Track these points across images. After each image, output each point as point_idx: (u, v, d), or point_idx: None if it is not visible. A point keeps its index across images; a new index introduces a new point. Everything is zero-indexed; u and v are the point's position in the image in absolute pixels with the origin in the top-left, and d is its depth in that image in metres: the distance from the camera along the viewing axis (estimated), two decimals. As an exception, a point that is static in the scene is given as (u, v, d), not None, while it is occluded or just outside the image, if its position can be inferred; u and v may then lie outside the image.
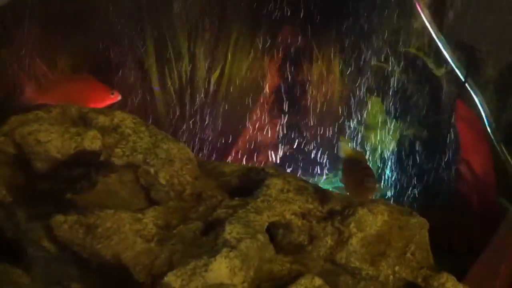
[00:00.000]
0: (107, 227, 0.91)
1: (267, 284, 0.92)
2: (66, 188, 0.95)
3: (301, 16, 1.24)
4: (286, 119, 1.25)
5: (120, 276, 0.98)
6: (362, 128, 1.25)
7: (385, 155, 1.24)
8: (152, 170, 0.94)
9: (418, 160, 1.23)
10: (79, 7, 1.18)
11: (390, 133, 1.23)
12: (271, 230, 0.96)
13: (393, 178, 1.23)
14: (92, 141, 0.90)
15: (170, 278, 0.86)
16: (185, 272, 0.86)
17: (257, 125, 1.28)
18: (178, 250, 0.91)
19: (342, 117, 1.25)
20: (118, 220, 0.91)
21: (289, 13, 1.24)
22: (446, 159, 1.21)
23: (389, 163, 1.24)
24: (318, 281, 0.91)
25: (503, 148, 1.15)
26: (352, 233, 0.95)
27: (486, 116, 1.16)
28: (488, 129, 1.16)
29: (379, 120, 1.25)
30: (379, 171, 1.25)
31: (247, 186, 1.00)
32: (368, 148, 1.26)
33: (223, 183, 1.01)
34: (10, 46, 1.17)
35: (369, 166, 0.99)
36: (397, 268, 0.98)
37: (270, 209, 0.95)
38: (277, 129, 1.25)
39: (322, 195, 1.00)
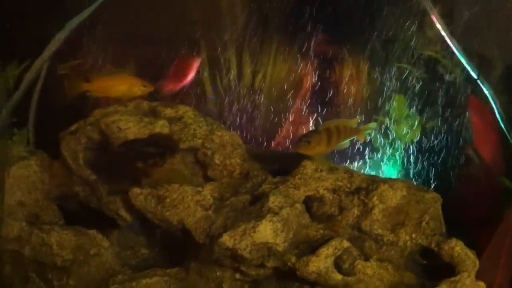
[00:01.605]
0: (173, 198, 1.12)
1: (304, 245, 1.10)
2: (140, 166, 1.17)
3: (333, 26, 1.42)
4: (320, 115, 1.44)
5: (184, 238, 1.19)
6: (388, 121, 1.43)
7: (408, 144, 1.42)
8: (209, 152, 1.15)
9: (436, 148, 1.40)
10: (145, 24, 1.39)
11: (413, 125, 1.41)
12: (307, 203, 1.15)
13: (414, 164, 1.41)
14: (161, 128, 1.11)
15: (225, 238, 1.06)
16: (237, 233, 1.06)
17: (295, 120, 1.47)
18: (230, 216, 1.11)
19: (370, 112, 1.43)
20: (183, 192, 1.12)
21: (322, 24, 1.42)
22: (461, 147, 1.38)
23: (411, 151, 1.42)
24: (346, 243, 1.09)
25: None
26: (375, 204, 1.13)
27: (497, 109, 1.33)
28: (500, 120, 1.32)
29: (403, 114, 1.43)
30: (403, 157, 1.43)
31: (287, 168, 1.20)
32: (394, 139, 1.44)
33: (267, 165, 1.22)
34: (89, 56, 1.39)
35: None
36: (414, 235, 1.15)
37: (306, 185, 1.13)
38: (312, 123, 1.44)
39: (350, 174, 1.18)
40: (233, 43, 1.38)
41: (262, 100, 1.39)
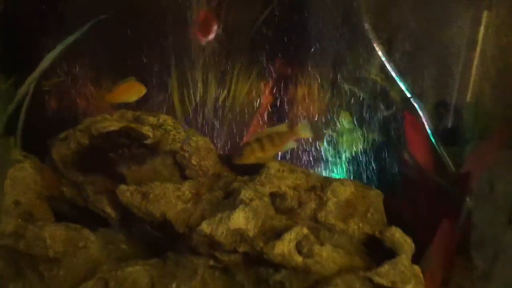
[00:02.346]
0: (156, 193, 1.27)
1: (269, 233, 1.26)
2: (124, 167, 1.33)
3: (289, 51, 1.62)
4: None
5: (160, 232, 1.35)
6: (335, 134, 1.64)
7: (353, 153, 1.63)
8: (187, 155, 1.32)
9: (377, 156, 1.62)
10: (124, 47, 1.55)
11: (357, 136, 1.63)
12: (271, 198, 1.34)
13: (358, 168, 1.62)
14: (147, 132, 1.28)
15: (203, 226, 1.22)
16: (214, 221, 1.21)
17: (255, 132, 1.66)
18: (207, 209, 1.27)
19: (321, 125, 1.63)
20: (164, 189, 1.28)
21: (279, 50, 1.62)
22: (398, 154, 1.60)
23: (356, 159, 1.63)
24: (305, 230, 1.26)
25: (440, 145, 1.54)
26: (329, 198, 1.31)
27: (426, 123, 1.56)
28: (429, 132, 1.55)
29: (348, 128, 1.64)
30: (348, 164, 1.64)
31: (249, 171, 1.37)
32: (341, 149, 1.64)
33: (234, 168, 1.40)
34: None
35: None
36: (361, 224, 1.33)
37: (270, 183, 1.31)
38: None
39: (307, 174, 1.37)
40: (201, 65, 1.54)
41: (226, 114, 1.56)
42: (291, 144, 1.36)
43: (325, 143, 1.58)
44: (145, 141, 1.19)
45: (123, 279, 1.27)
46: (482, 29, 1.46)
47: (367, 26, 1.40)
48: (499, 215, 1.46)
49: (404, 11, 1.54)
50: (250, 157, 1.30)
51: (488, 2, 1.45)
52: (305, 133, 1.38)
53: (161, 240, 1.37)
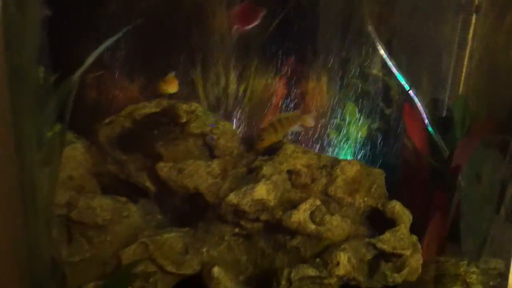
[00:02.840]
0: (190, 169, 1.48)
1: (287, 204, 1.44)
2: (162, 148, 1.53)
3: (301, 50, 1.81)
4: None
5: (191, 204, 1.55)
6: (343, 123, 1.84)
7: (358, 140, 1.83)
8: (215, 137, 1.53)
9: (381, 142, 1.82)
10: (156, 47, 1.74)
11: (362, 125, 1.83)
12: (288, 175, 1.55)
13: (365, 153, 1.82)
14: (182, 118, 1.49)
15: (231, 197, 1.41)
16: (240, 193, 1.40)
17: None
18: (233, 182, 1.47)
19: (328, 115, 1.83)
20: (197, 165, 1.48)
21: (291, 49, 1.81)
22: (400, 141, 1.79)
23: (361, 145, 1.83)
24: (318, 202, 1.45)
25: (436, 133, 1.74)
26: (338, 175, 1.52)
27: (424, 113, 1.76)
28: (426, 121, 1.75)
29: (354, 118, 1.84)
30: (354, 149, 1.84)
31: (271, 150, 1.58)
32: (348, 136, 1.85)
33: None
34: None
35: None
36: (365, 198, 1.53)
37: (287, 162, 1.50)
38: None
39: (318, 155, 1.57)
40: (223, 63, 1.74)
41: (245, 105, 1.77)
42: (297, 128, 1.58)
43: (334, 130, 1.78)
44: (180, 121, 1.38)
45: (161, 243, 1.47)
46: (471, 31, 1.66)
47: (370, 27, 1.60)
48: (487, 205, 1.65)
49: (403, 16, 1.74)
50: (269, 140, 1.51)
51: (476, 7, 1.65)
52: (309, 123, 1.60)
53: (191, 212, 1.57)
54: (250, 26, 1.60)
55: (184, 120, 1.36)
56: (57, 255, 1.48)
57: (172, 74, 1.53)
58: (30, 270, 1.51)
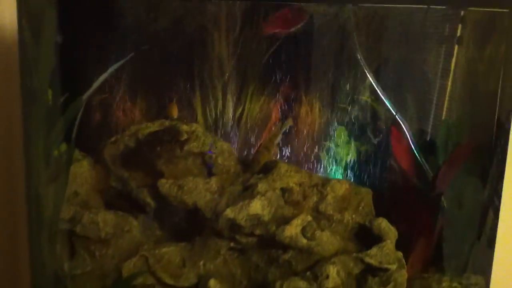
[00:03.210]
0: (189, 186, 1.56)
1: (280, 220, 1.52)
2: (163, 166, 1.61)
3: (294, 77, 1.90)
4: (283, 140, 1.91)
5: (189, 220, 1.63)
6: (333, 146, 1.93)
7: (347, 162, 1.92)
8: (213, 155, 1.62)
9: (369, 163, 1.91)
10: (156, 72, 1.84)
11: (351, 148, 1.92)
12: (281, 192, 1.63)
13: (354, 174, 1.90)
14: (182, 136, 1.57)
15: (227, 212, 1.48)
16: (237, 208, 1.46)
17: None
18: (230, 198, 1.54)
19: (321, 138, 1.92)
20: (196, 182, 1.56)
21: (286, 74, 1.91)
22: (387, 163, 1.88)
23: (350, 167, 1.92)
24: (309, 217, 1.51)
25: (421, 155, 1.83)
26: (328, 192, 1.59)
27: (409, 136, 1.85)
28: (412, 145, 1.84)
29: (343, 141, 1.93)
30: (344, 170, 1.93)
31: (266, 169, 1.67)
32: (338, 158, 1.94)
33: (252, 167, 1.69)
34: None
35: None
36: (354, 216, 1.60)
37: (280, 180, 1.56)
38: (276, 145, 1.89)
39: (310, 174, 1.65)
40: (220, 86, 1.84)
41: (241, 127, 1.86)
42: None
43: (325, 152, 1.88)
44: (181, 138, 1.47)
45: (160, 257, 1.55)
46: (453, 60, 1.77)
47: (359, 56, 1.70)
48: (468, 230, 1.73)
49: (390, 46, 1.85)
50: (264, 160, 1.60)
51: (458, 38, 1.77)
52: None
53: (189, 228, 1.65)
54: (291, 30, 1.66)
55: (185, 137, 1.44)
56: (60, 269, 1.55)
57: (173, 102, 1.62)
58: (32, 284, 1.58)
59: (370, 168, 1.81)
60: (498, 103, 1.73)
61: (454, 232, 1.66)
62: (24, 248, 1.99)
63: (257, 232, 1.44)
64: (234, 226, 1.42)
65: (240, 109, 1.80)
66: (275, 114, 1.83)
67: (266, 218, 1.41)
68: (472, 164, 1.72)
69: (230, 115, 1.81)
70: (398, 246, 1.55)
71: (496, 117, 1.74)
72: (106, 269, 1.55)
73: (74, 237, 1.53)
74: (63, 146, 1.54)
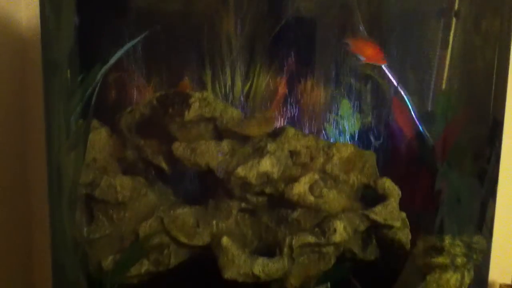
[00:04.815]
0: (202, 148, 1.59)
1: (288, 178, 1.58)
2: (176, 132, 1.66)
3: (300, 52, 1.95)
4: (290, 113, 1.96)
5: (208, 180, 1.68)
6: (338, 117, 1.98)
7: (351, 132, 1.97)
8: (224, 120, 1.67)
9: (371, 130, 1.95)
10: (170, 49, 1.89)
11: (355, 120, 1.96)
12: (289, 154, 1.67)
13: (358, 143, 1.94)
14: (195, 104, 1.63)
15: (238, 170, 1.53)
16: (247, 166, 1.51)
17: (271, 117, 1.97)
18: (241, 159, 1.59)
19: (325, 110, 1.97)
20: (208, 145, 1.59)
21: (292, 51, 1.96)
22: (389, 132, 1.93)
23: (354, 137, 1.96)
24: (317, 176, 1.57)
25: (422, 124, 1.88)
26: (334, 153, 1.63)
27: (410, 106, 1.90)
28: (413, 114, 1.89)
29: (347, 113, 1.98)
30: (349, 140, 1.97)
31: (274, 133, 1.71)
32: (342, 129, 1.98)
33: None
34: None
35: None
36: (358, 176, 1.65)
37: (288, 143, 1.61)
38: (285, 118, 1.95)
39: (316, 138, 1.70)
40: (229, 63, 1.89)
41: (249, 102, 1.91)
42: None
43: (330, 124, 1.93)
44: (192, 101, 1.51)
45: (175, 218, 1.59)
46: (452, 33, 1.83)
47: (361, 28, 1.76)
48: (467, 224, 1.77)
49: (391, 21, 1.90)
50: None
51: (456, 12, 1.82)
52: None
53: (202, 193, 1.70)
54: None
55: (194, 100, 1.49)
56: (79, 234, 1.60)
57: (186, 79, 1.68)
58: (53, 249, 1.63)
59: (373, 138, 1.85)
60: (494, 74, 1.78)
61: (454, 194, 1.70)
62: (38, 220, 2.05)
63: (267, 190, 1.47)
64: (245, 184, 1.46)
65: (248, 85, 1.84)
66: (282, 88, 1.88)
67: (275, 176, 1.45)
68: (470, 167, 1.75)
69: (239, 90, 1.85)
70: (401, 208, 1.57)
71: (493, 88, 1.78)
72: (124, 232, 1.58)
73: (92, 202, 1.56)
74: (80, 122, 1.58)
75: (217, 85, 1.88)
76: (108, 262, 1.56)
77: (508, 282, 1.93)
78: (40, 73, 1.95)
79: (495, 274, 2.04)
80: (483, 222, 1.68)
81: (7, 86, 2.08)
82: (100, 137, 1.57)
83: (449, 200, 1.67)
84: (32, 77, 2.24)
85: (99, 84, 1.64)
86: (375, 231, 1.53)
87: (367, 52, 1.76)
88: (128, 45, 1.73)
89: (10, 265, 2.12)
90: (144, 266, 1.54)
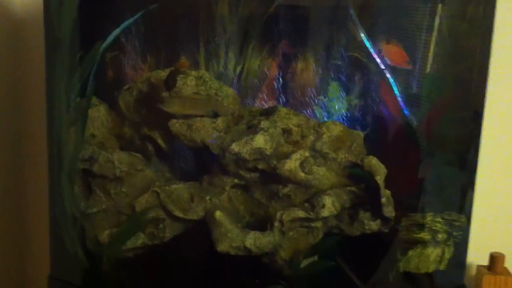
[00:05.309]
0: (198, 125, 1.64)
1: (280, 155, 1.62)
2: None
3: (291, 35, 2.00)
4: (281, 93, 2.01)
5: (203, 157, 1.73)
6: (327, 99, 2.04)
7: (341, 113, 2.03)
8: (220, 98, 1.72)
9: (358, 112, 2.02)
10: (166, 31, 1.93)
11: (343, 102, 2.03)
12: (281, 132, 1.73)
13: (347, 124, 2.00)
14: (191, 81, 1.68)
15: (233, 146, 1.54)
16: (241, 142, 1.51)
17: (263, 97, 2.04)
18: (235, 135, 1.62)
19: (315, 92, 2.03)
20: (204, 122, 1.63)
21: (283, 34, 2.00)
22: (376, 113, 1.99)
23: (342, 119, 2.02)
24: (307, 153, 1.62)
25: (408, 106, 1.94)
26: (324, 132, 1.67)
27: (397, 89, 1.96)
28: (399, 97, 1.95)
29: (337, 94, 2.04)
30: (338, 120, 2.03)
31: (267, 112, 1.77)
32: (331, 111, 2.04)
33: (254, 112, 1.80)
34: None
35: None
36: (346, 154, 1.68)
37: (281, 121, 1.65)
38: (275, 99, 2.00)
39: (307, 118, 1.76)
40: (223, 44, 1.94)
41: (242, 82, 1.96)
42: None
43: (319, 106, 1.99)
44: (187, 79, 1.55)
45: (170, 192, 1.64)
46: (437, 18, 1.89)
47: (352, 12, 1.82)
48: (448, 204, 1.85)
49: (381, 5, 1.96)
50: None
51: (443, -4, 1.88)
52: None
53: (197, 170, 1.76)
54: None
55: (191, 77, 1.53)
56: (76, 209, 1.66)
57: (183, 58, 1.73)
58: (52, 223, 1.69)
59: (362, 118, 1.92)
60: (477, 58, 1.85)
61: (437, 173, 1.78)
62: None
63: (260, 166, 1.53)
64: (239, 160, 1.51)
65: (240, 66, 1.89)
66: (273, 70, 1.93)
67: (268, 152, 1.51)
68: (451, 157, 1.83)
69: (232, 70, 1.90)
70: (386, 187, 1.63)
71: (475, 71, 1.85)
72: (120, 207, 1.63)
73: (90, 177, 1.61)
74: (81, 95, 1.63)
75: (210, 66, 1.92)
76: (105, 235, 1.59)
77: (485, 263, 2.02)
78: (36, 53, 1.99)
79: (472, 256, 2.13)
80: (463, 204, 1.75)
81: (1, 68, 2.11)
82: (98, 114, 1.61)
83: (431, 180, 1.74)
84: (28, 56, 2.27)
85: (97, 62, 1.67)
86: (362, 207, 1.58)
87: (394, 57, 1.82)
88: (125, 24, 1.76)
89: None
90: (140, 239, 1.58)
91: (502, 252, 2.07)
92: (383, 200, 1.58)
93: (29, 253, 2.39)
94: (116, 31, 1.74)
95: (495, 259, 2.00)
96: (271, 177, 1.58)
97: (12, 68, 2.26)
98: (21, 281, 2.38)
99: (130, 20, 1.74)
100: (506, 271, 2.03)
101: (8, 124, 2.24)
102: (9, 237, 2.30)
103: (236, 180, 1.58)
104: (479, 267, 2.04)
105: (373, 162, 1.60)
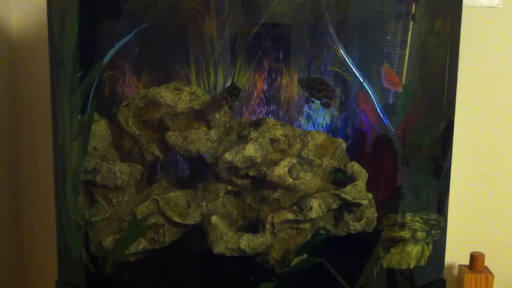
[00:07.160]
0: (193, 137, 1.73)
1: (269, 163, 1.75)
2: (169, 122, 1.82)
3: (276, 51, 2.11)
4: (267, 108, 2.12)
5: (197, 166, 1.84)
6: (310, 111, 2.16)
7: (322, 125, 2.15)
8: (211, 112, 1.84)
9: (340, 121, 2.14)
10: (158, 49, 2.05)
11: (324, 113, 2.15)
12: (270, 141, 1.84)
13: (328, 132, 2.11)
14: (185, 96, 1.79)
15: (226, 155, 1.64)
16: (233, 151, 1.60)
17: (251, 110, 2.15)
18: (227, 145, 1.73)
19: (298, 106, 2.15)
20: (198, 133, 1.73)
21: (269, 50, 2.11)
22: (356, 123, 2.12)
23: (326, 128, 2.14)
24: (294, 160, 1.73)
25: (385, 114, 2.07)
26: (309, 140, 1.78)
27: (375, 100, 2.09)
28: (377, 106, 2.08)
29: (319, 107, 2.16)
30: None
31: (256, 124, 1.88)
32: (314, 122, 2.16)
33: (243, 124, 1.92)
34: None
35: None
36: (331, 161, 1.81)
37: (269, 131, 1.75)
38: (263, 111, 2.12)
39: (293, 128, 1.86)
40: (212, 62, 2.05)
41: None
42: None
43: (303, 117, 2.11)
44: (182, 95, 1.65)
45: (168, 200, 1.74)
46: (409, 34, 2.03)
47: (331, 31, 1.95)
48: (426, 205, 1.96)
49: (356, 23, 2.10)
50: None
51: (412, 15, 2.02)
52: None
53: (192, 179, 1.86)
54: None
55: (185, 93, 1.65)
56: (80, 218, 1.76)
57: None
58: (58, 230, 1.78)
59: (343, 128, 2.04)
60: (447, 69, 1.99)
61: (414, 177, 1.90)
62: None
63: (251, 173, 1.63)
64: (231, 168, 1.62)
65: (229, 82, 2.01)
66: (260, 85, 2.05)
67: (258, 160, 1.62)
68: (426, 164, 1.97)
69: (221, 85, 2.01)
70: (368, 190, 1.75)
71: (445, 82, 1.99)
72: (122, 214, 1.72)
73: (93, 187, 1.70)
74: (83, 111, 1.73)
75: (201, 82, 2.04)
76: (108, 241, 1.68)
77: (466, 263, 2.13)
78: (32, 72, 2.09)
79: (453, 256, 2.25)
80: (439, 204, 1.88)
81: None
82: (100, 128, 1.70)
83: (409, 183, 1.87)
84: (24, 77, 2.37)
85: (96, 81, 1.78)
86: (346, 209, 1.69)
87: (389, 79, 1.96)
88: (119, 44, 1.87)
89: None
90: (141, 244, 1.68)
91: (481, 250, 2.15)
92: (365, 202, 1.68)
93: (33, 260, 2.48)
94: (112, 51, 1.84)
95: (476, 258, 2.10)
96: (261, 183, 1.66)
97: (7, 92, 2.35)
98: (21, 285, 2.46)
99: (123, 40, 1.84)
100: (486, 269, 2.12)
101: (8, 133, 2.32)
102: (14, 243, 2.38)
103: (229, 187, 1.67)
104: (461, 266, 2.14)
105: (355, 167, 1.71)
